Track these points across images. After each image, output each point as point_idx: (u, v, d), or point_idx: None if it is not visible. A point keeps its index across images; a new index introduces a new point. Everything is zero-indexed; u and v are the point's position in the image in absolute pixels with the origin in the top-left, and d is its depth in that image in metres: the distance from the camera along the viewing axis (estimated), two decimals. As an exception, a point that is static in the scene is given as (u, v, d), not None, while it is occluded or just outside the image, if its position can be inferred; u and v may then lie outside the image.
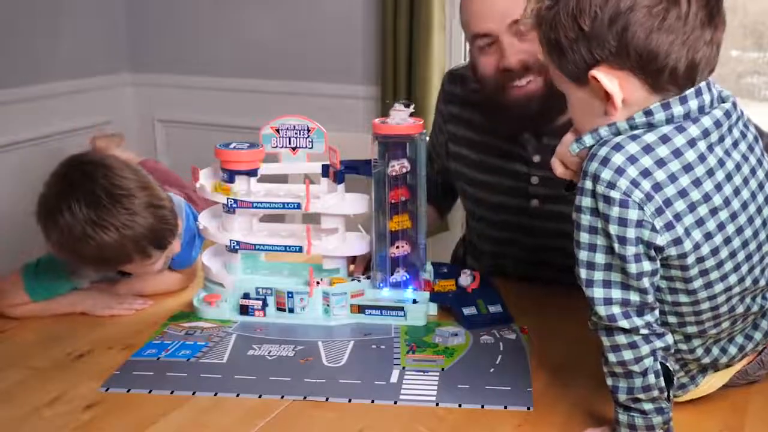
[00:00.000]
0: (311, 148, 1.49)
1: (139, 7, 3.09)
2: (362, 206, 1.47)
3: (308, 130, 1.48)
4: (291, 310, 1.46)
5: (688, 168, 0.99)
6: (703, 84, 1.01)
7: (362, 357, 1.33)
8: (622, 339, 1.02)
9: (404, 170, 1.43)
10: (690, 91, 1.00)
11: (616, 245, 0.98)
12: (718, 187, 1.01)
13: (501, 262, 1.70)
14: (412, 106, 1.42)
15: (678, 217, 0.99)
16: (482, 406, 1.17)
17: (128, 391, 1.23)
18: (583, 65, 1.00)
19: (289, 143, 1.49)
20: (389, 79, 2.62)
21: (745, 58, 2.49)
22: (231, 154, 1.46)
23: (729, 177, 1.02)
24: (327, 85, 2.81)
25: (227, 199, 1.46)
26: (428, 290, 1.48)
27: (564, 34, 1.00)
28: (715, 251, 1.01)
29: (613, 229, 0.98)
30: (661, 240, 0.98)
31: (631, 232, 0.97)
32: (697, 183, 0.99)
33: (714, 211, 1.00)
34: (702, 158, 1.00)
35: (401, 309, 1.44)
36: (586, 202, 0.99)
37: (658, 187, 0.98)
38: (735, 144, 1.04)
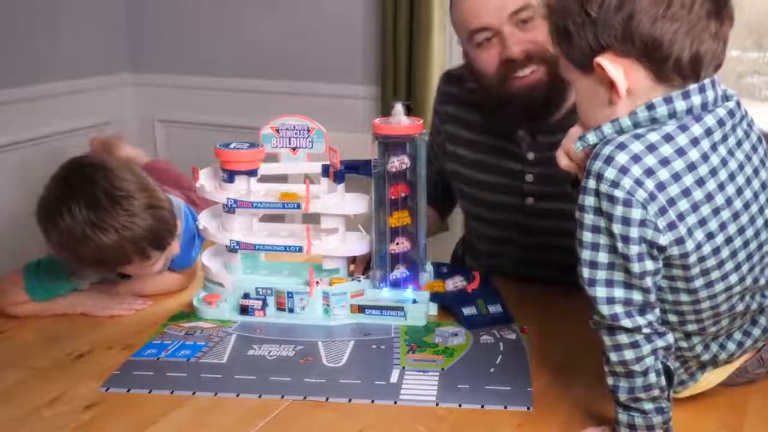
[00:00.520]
0: (311, 148, 1.49)
1: (139, 7, 3.09)
2: (362, 206, 1.47)
3: (308, 130, 1.48)
4: (291, 310, 1.46)
5: (691, 167, 0.99)
6: (707, 81, 1.01)
7: (362, 357, 1.33)
8: (624, 338, 1.02)
9: (404, 166, 1.43)
10: (693, 87, 1.00)
11: (619, 244, 0.98)
12: (721, 187, 1.01)
13: (499, 261, 1.70)
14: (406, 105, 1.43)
15: (681, 216, 0.99)
16: (482, 406, 1.17)
17: (128, 391, 1.23)
18: (589, 51, 1.00)
19: (289, 143, 1.49)
20: (389, 79, 2.62)
21: (745, 58, 2.49)
22: (231, 154, 1.46)
23: (732, 176, 1.02)
24: (327, 85, 2.81)
25: (227, 198, 1.46)
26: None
27: (572, 19, 1.00)
28: (716, 251, 1.01)
29: (617, 228, 0.98)
30: (663, 239, 0.98)
31: (634, 232, 0.97)
32: (700, 182, 0.99)
33: (716, 211, 1.00)
34: (705, 157, 1.00)
35: (401, 309, 1.44)
36: (590, 201, 0.99)
37: (661, 186, 0.97)
38: (738, 143, 1.04)
